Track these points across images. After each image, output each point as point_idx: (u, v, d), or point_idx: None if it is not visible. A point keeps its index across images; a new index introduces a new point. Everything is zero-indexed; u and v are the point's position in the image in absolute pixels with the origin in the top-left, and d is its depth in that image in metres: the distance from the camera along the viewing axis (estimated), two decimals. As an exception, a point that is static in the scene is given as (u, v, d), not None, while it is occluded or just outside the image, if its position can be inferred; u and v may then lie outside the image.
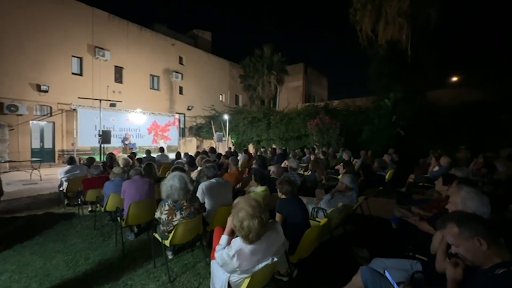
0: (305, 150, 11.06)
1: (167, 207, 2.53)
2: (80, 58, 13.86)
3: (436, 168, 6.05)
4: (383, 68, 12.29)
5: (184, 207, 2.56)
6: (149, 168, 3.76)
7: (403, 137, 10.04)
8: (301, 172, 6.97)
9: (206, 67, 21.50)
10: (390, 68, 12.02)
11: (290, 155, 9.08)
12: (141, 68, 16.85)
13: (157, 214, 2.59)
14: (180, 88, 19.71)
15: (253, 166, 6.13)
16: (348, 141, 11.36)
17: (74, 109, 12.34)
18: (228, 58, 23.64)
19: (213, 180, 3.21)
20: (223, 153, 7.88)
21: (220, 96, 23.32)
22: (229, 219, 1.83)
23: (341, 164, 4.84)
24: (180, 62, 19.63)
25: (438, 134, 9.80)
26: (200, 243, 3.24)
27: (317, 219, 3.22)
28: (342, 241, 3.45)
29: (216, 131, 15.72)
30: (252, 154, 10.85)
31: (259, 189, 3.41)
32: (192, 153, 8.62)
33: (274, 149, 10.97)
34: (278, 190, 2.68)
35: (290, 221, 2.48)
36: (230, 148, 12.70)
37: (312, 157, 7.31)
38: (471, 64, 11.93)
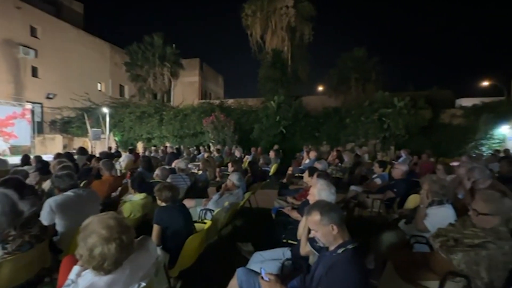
0: (201, 148, 10.89)
1: (-25, 244, 1.69)
2: None
3: (307, 161, 7.34)
4: (270, 73, 13.83)
5: (10, 238, 1.80)
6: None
7: (285, 134, 11.69)
8: (195, 171, 6.74)
9: (76, 47, 17.15)
10: (275, 74, 13.66)
11: (184, 154, 8.65)
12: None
13: (-44, 257, 1.70)
14: (34, 69, 14.84)
15: (139, 168, 5.37)
16: (241, 138, 12.07)
17: None
18: (109, 41, 19.90)
19: (68, 192, 2.47)
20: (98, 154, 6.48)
21: (99, 84, 19.35)
22: None
23: (231, 162, 4.97)
24: (33, 34, 14.74)
25: (309, 132, 12.05)
26: (50, 279, 2.44)
27: (205, 221, 3.12)
28: (229, 238, 3.51)
29: (91, 127, 12.86)
30: (141, 154, 9.60)
31: (137, 197, 2.93)
32: (51, 155, 6.60)
33: (166, 147, 10.14)
34: (156, 197, 2.37)
35: (171, 231, 2.23)
36: (110, 147, 10.71)
37: (205, 155, 7.21)
38: (329, 78, 15.45)
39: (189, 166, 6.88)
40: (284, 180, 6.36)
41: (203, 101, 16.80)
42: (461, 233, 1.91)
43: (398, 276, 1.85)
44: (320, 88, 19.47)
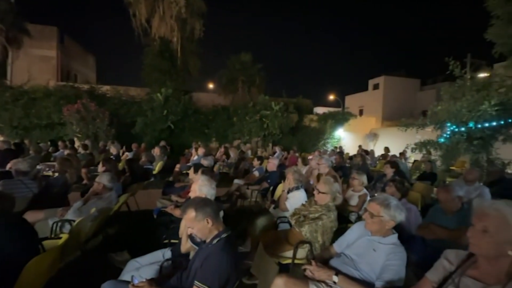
0: (59, 143, 8.54)
1: None
2: None
3: (196, 157, 7.31)
4: (157, 62, 12.70)
5: None
6: None
7: (173, 130, 11.11)
8: (50, 173, 5.27)
9: None
10: (162, 64, 12.68)
11: (30, 151, 6.50)
12: None
13: None
14: None
15: None
16: (120, 133, 10.44)
17: None
18: None
19: None
20: None
21: None
22: None
23: (102, 161, 4.18)
24: None
25: (199, 128, 12.04)
26: None
27: (62, 235, 2.49)
28: (99, 250, 2.98)
29: None
30: None
31: None
32: None
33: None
34: (-30, 214, 1.66)
35: (-2, 257, 1.62)
36: None
37: (66, 153, 5.74)
38: (219, 78, 16.06)
39: (39, 167, 5.32)
40: (171, 178, 6.05)
41: (64, 83, 13.08)
42: (308, 210, 2.50)
43: (265, 253, 2.19)
44: (211, 86, 19.85)
